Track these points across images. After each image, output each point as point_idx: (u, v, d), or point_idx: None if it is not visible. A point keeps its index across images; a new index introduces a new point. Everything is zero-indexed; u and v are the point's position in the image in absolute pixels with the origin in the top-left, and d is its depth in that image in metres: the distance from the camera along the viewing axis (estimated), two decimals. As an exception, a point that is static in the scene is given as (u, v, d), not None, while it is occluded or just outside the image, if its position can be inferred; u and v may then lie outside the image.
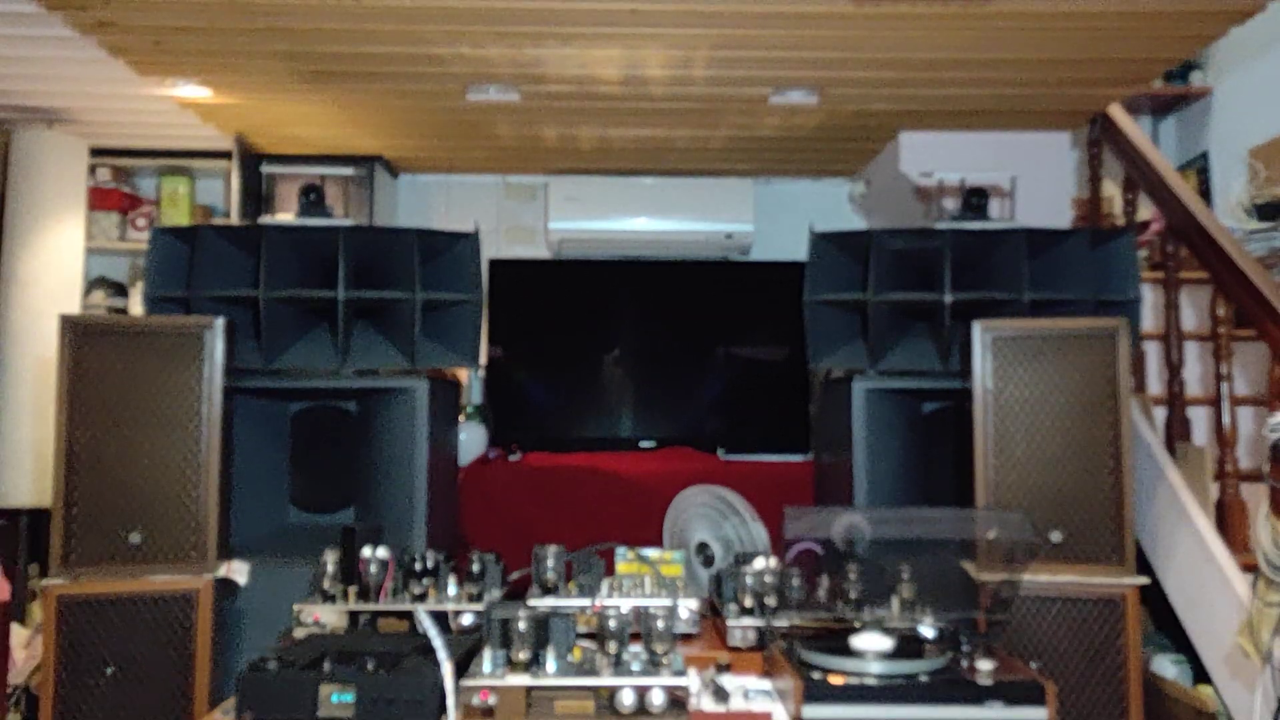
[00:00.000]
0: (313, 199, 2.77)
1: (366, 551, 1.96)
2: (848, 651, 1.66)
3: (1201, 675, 2.59)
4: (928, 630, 1.80)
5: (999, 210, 3.32)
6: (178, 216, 4.01)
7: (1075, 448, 2.26)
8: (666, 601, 1.90)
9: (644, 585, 2.02)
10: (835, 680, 1.57)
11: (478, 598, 1.93)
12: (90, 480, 2.23)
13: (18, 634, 3.08)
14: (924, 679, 1.58)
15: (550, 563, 1.95)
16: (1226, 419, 2.62)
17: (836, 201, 4.33)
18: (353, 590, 1.94)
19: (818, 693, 1.55)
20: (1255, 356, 3.19)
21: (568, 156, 3.95)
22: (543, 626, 1.56)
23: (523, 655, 1.50)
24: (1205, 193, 4.02)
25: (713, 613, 2.18)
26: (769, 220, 4.25)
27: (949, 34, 2.64)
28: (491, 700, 1.45)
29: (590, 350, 4.01)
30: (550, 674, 1.48)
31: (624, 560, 2.26)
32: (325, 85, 3.11)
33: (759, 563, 2.05)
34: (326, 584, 1.96)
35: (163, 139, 3.80)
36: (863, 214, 4.29)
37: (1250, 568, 2.23)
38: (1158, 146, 4.22)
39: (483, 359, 3.81)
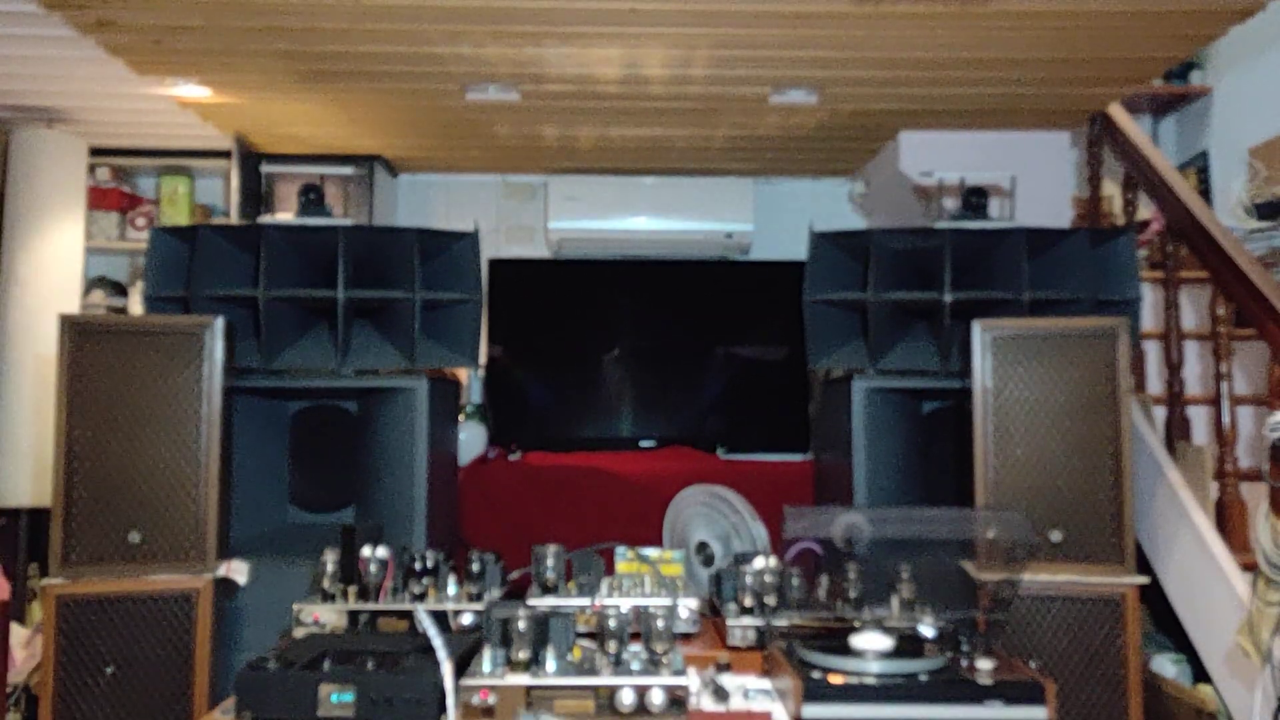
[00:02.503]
0: (312, 198, 2.77)
1: (366, 551, 1.96)
2: (847, 651, 1.66)
3: (1201, 674, 2.59)
4: (927, 630, 1.80)
5: (999, 210, 3.32)
6: (177, 216, 4.01)
7: (1075, 447, 2.26)
8: (666, 601, 1.90)
9: (644, 584, 2.02)
10: (835, 680, 1.57)
11: (477, 597, 1.93)
12: (90, 480, 2.23)
13: (17, 633, 3.08)
14: (924, 678, 1.58)
15: (550, 562, 1.95)
16: (1226, 418, 2.62)
17: (836, 201, 4.33)
18: (352, 590, 1.94)
19: (817, 692, 1.55)
20: (1255, 356, 3.19)
21: (567, 156, 3.95)
22: (542, 626, 1.56)
23: (522, 655, 1.50)
24: (1205, 192, 4.02)
25: (712, 612, 2.18)
26: (769, 220, 4.25)
27: (948, 33, 2.64)
28: (491, 700, 1.45)
29: (590, 350, 4.01)
30: (550, 673, 1.48)
31: (624, 559, 2.26)
32: (325, 85, 3.11)
33: (759, 562, 2.05)
34: (326, 583, 1.96)
35: (162, 138, 3.80)
36: (862, 213, 4.29)
37: (1250, 567, 2.23)
38: (1157, 146, 4.22)
39: (482, 359, 3.81)
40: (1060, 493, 2.26)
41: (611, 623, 1.54)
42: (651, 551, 2.31)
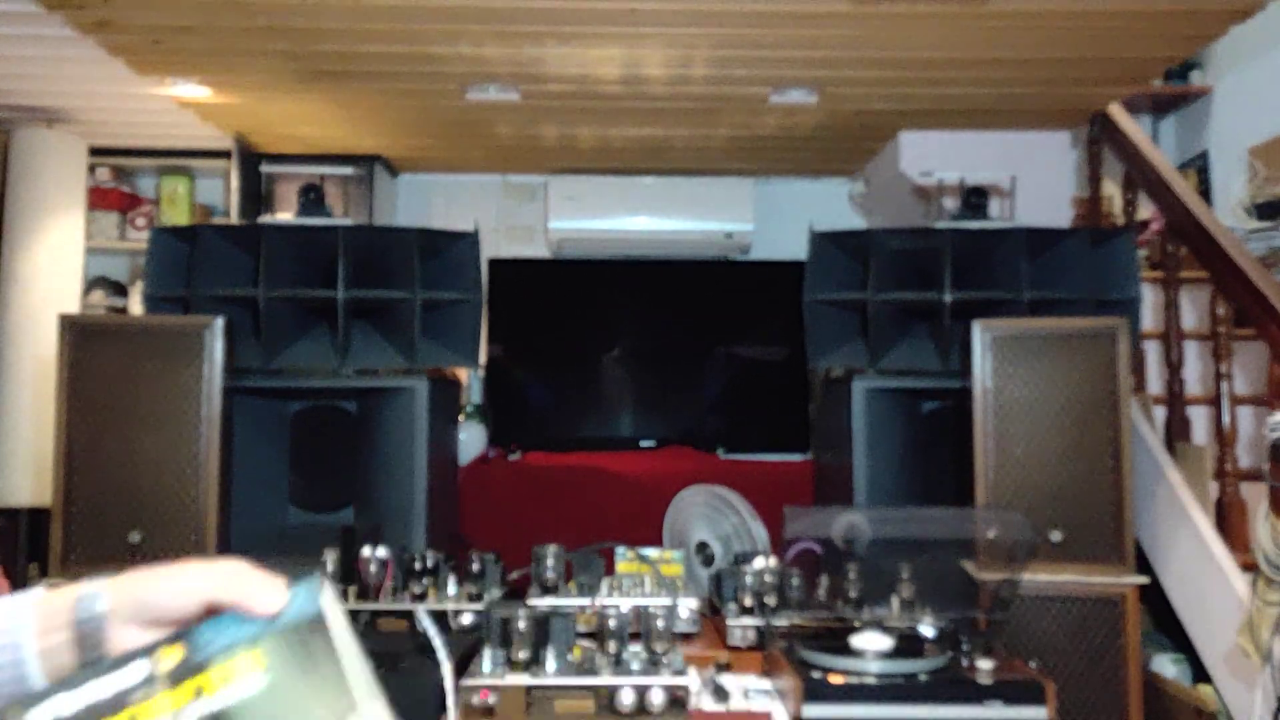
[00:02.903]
0: (312, 198, 2.76)
1: (366, 551, 1.96)
2: (847, 651, 1.66)
3: (1201, 674, 2.59)
4: (927, 630, 1.80)
5: (999, 210, 3.31)
6: (177, 216, 4.01)
7: (1075, 447, 2.26)
8: (666, 601, 1.90)
9: (644, 585, 2.02)
10: (835, 680, 1.57)
11: (477, 597, 1.93)
12: (90, 480, 2.22)
13: (17, 634, 3.08)
14: (924, 678, 1.58)
15: (550, 562, 1.95)
16: (1226, 418, 2.62)
17: (836, 201, 4.33)
18: (352, 590, 1.94)
19: (817, 692, 1.55)
20: (1255, 356, 3.18)
21: (567, 156, 3.95)
22: (542, 626, 1.56)
23: (522, 655, 1.50)
24: (1205, 192, 4.02)
25: (713, 612, 2.18)
26: (769, 220, 4.24)
27: (948, 33, 2.64)
28: (491, 700, 1.45)
29: (590, 350, 4.00)
30: (550, 673, 1.48)
31: (624, 560, 2.26)
32: (324, 84, 3.11)
33: (759, 562, 2.06)
34: (326, 583, 1.95)
35: (162, 138, 3.79)
36: (862, 213, 4.29)
37: (1250, 567, 2.23)
38: (1157, 146, 4.21)
39: (482, 358, 3.81)
40: (1060, 492, 2.26)
41: (612, 623, 1.54)
42: (652, 552, 2.31)
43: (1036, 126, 3.46)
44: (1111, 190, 3.66)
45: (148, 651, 0.60)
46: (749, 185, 4.09)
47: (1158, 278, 3.15)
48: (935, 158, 3.46)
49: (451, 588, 1.98)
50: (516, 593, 2.04)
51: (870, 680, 1.57)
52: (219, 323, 2.31)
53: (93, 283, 3.99)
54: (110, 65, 2.93)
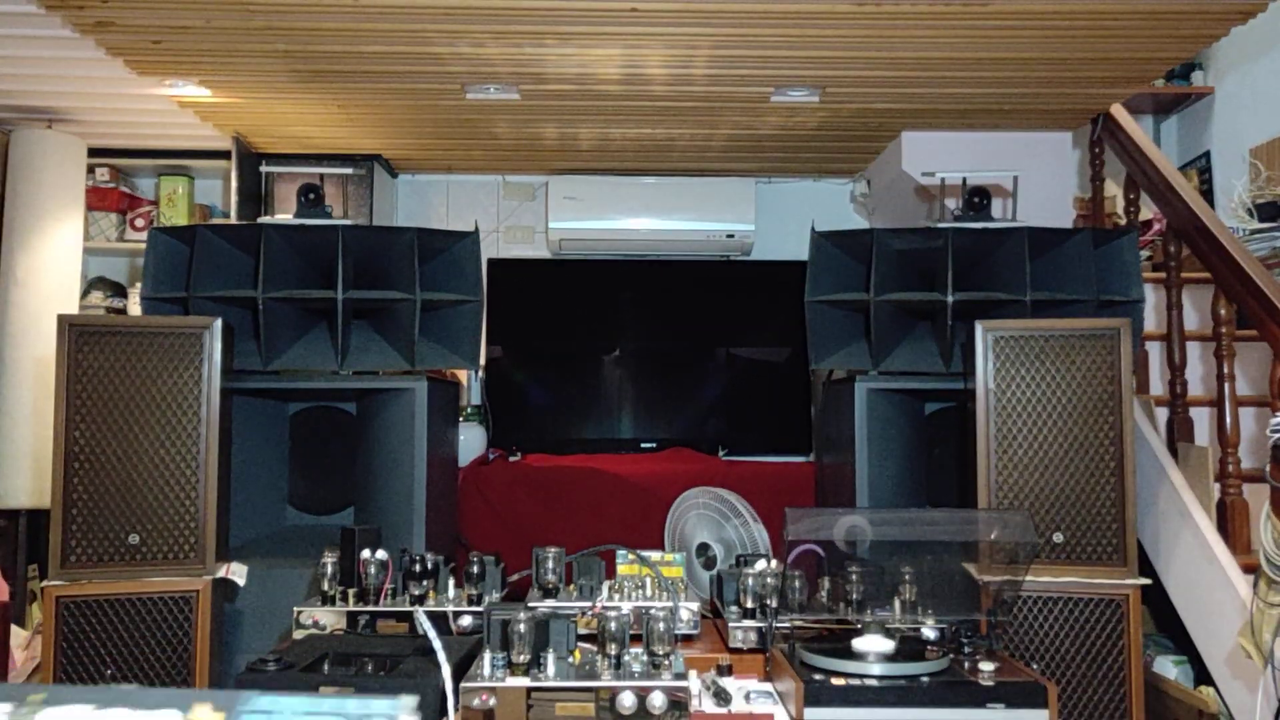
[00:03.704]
0: (311, 198, 2.76)
1: (365, 553, 1.96)
2: (849, 653, 1.65)
3: (1203, 676, 2.58)
4: (929, 632, 1.80)
5: (1001, 210, 3.31)
6: (176, 216, 4.00)
7: (1077, 448, 2.26)
8: (667, 603, 1.89)
9: (645, 587, 2.01)
10: (836, 682, 1.56)
11: (477, 599, 1.93)
12: (89, 481, 2.22)
13: (17, 635, 3.07)
14: (925, 681, 1.58)
15: (550, 564, 1.95)
16: (1228, 419, 2.61)
17: (838, 201, 4.32)
18: (352, 592, 1.94)
19: (819, 695, 1.54)
20: (1257, 357, 3.18)
21: (567, 156, 3.95)
22: (543, 628, 1.55)
23: (522, 657, 1.50)
24: (1207, 193, 4.02)
25: (714, 614, 2.18)
26: (770, 220, 4.24)
27: (950, 33, 2.64)
28: (491, 702, 1.44)
29: (590, 351, 4.00)
30: (550, 676, 1.48)
31: (624, 562, 2.26)
32: (324, 84, 3.10)
33: (760, 564, 2.05)
34: (325, 585, 1.95)
35: (161, 139, 3.79)
36: (864, 213, 4.28)
37: (1251, 568, 2.23)
38: (1159, 146, 4.21)
39: (482, 359, 3.80)
40: (1063, 494, 2.25)
41: (612, 625, 1.53)
42: (653, 554, 2.30)
43: (1039, 127, 3.46)
44: (1114, 190, 3.66)
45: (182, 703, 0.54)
46: (750, 185, 4.09)
47: (1160, 278, 3.14)
48: (937, 158, 3.45)
49: (451, 590, 1.98)
50: (516, 595, 2.04)
51: (872, 683, 1.57)
52: (218, 324, 2.30)
53: (92, 283, 3.99)
54: (110, 65, 2.92)
